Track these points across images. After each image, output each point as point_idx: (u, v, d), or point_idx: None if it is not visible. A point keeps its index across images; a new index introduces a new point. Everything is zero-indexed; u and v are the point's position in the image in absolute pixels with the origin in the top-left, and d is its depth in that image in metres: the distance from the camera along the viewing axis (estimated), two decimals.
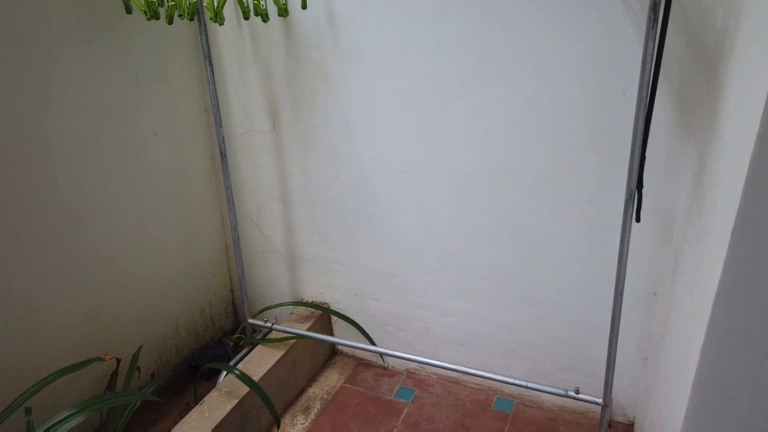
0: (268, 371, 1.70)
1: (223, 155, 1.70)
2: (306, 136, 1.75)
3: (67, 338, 1.54)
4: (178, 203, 1.86)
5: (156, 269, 1.81)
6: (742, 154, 0.70)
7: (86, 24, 1.46)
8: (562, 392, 1.53)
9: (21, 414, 1.33)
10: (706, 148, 1.09)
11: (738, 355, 0.74)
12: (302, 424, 1.74)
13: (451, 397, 1.82)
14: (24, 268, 1.41)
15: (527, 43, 1.37)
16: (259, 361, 1.75)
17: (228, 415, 1.53)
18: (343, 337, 2.03)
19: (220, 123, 1.66)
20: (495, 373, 1.63)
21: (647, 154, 1.19)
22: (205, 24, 1.53)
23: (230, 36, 1.73)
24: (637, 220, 1.24)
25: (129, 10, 1.44)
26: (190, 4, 1.43)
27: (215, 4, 1.42)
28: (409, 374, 1.95)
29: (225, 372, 1.72)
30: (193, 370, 1.94)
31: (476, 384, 1.86)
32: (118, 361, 1.63)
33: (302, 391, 1.89)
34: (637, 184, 1.20)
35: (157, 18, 1.44)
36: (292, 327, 1.89)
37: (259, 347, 1.83)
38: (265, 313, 2.08)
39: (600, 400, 1.48)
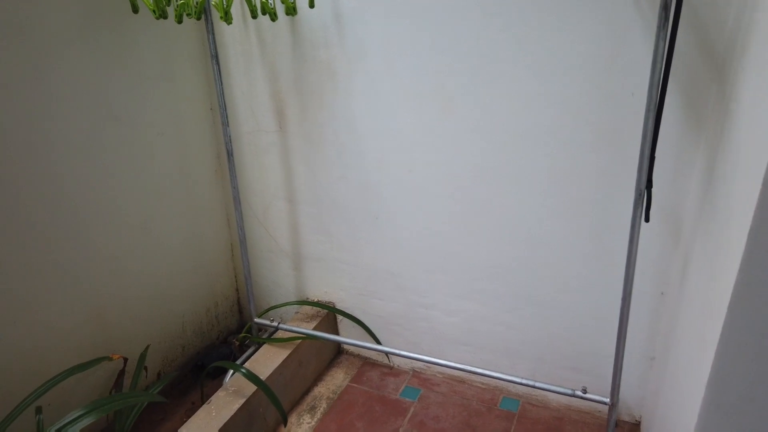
0: (274, 370, 1.70)
1: (230, 155, 1.70)
2: (312, 135, 1.75)
3: (73, 338, 1.54)
4: (184, 203, 1.86)
5: (161, 269, 1.81)
6: (760, 154, 0.70)
7: (90, 22, 1.46)
8: (570, 392, 1.54)
9: (29, 413, 1.33)
10: (717, 148, 1.09)
11: (754, 355, 0.74)
12: (308, 423, 1.74)
13: (456, 396, 1.83)
14: (30, 269, 1.41)
15: (530, 43, 1.36)
16: (265, 361, 1.75)
17: (235, 414, 1.53)
18: (348, 337, 2.03)
19: (227, 122, 1.66)
20: (502, 373, 1.63)
21: (656, 154, 1.19)
22: (212, 23, 1.53)
23: (236, 35, 1.73)
24: (647, 219, 1.24)
25: (136, 10, 1.44)
26: (197, 3, 1.43)
27: (224, 3, 1.42)
28: (415, 373, 1.95)
29: (231, 371, 1.72)
30: (199, 369, 1.94)
31: (482, 383, 1.86)
32: (125, 360, 1.63)
33: (308, 391, 1.89)
34: (646, 184, 1.20)
35: (165, 17, 1.44)
36: (297, 326, 1.89)
37: (265, 346, 1.83)
38: (270, 312, 2.08)
39: (607, 400, 1.48)
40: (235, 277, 2.17)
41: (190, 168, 1.86)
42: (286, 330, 1.88)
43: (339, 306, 2.00)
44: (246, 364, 1.74)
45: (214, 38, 1.54)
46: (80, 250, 1.53)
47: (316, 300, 2.04)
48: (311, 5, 1.49)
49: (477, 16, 1.40)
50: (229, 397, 1.59)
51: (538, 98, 1.41)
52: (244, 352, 1.93)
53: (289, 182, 1.87)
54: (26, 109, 1.34)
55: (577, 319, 1.61)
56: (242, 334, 1.96)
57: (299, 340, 1.84)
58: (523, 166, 1.50)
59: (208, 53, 1.83)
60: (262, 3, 1.42)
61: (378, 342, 1.97)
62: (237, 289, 2.19)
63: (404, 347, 1.87)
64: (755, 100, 0.82)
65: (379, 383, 1.91)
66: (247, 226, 2.02)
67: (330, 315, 2.01)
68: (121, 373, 1.63)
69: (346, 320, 2.01)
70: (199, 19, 1.50)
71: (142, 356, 1.60)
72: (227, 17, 1.44)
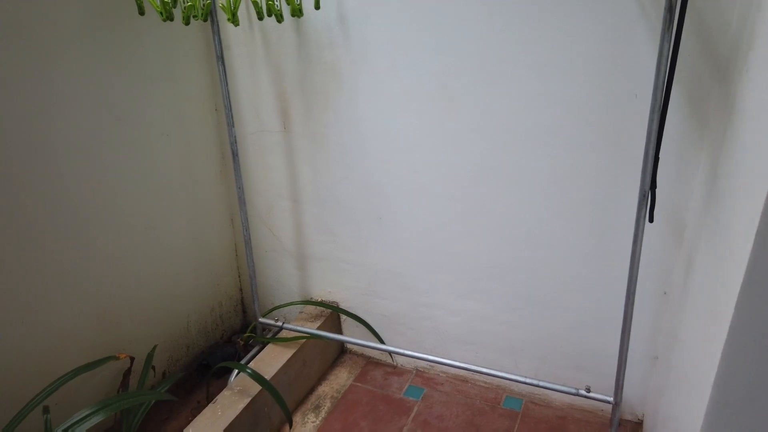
0: (279, 370, 1.71)
1: (235, 155, 1.71)
2: (317, 135, 1.76)
3: (78, 338, 1.55)
4: (187, 203, 1.86)
5: (165, 269, 1.81)
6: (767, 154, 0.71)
7: (94, 22, 1.46)
8: (573, 391, 1.55)
9: (36, 413, 1.34)
10: (721, 149, 1.10)
11: (760, 353, 0.75)
12: (313, 422, 1.75)
13: (460, 395, 1.84)
14: (34, 269, 1.41)
15: (531, 44, 1.38)
16: (270, 360, 1.76)
17: (241, 413, 1.54)
18: (352, 336, 2.04)
19: (233, 123, 1.67)
20: (506, 372, 1.64)
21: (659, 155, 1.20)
22: (218, 24, 1.54)
23: (241, 36, 1.74)
24: (650, 220, 1.25)
25: (142, 12, 1.45)
26: (204, 5, 1.44)
27: (232, 5, 1.43)
28: (418, 373, 1.96)
29: (236, 371, 1.73)
30: (204, 368, 1.95)
31: (485, 382, 1.87)
32: (132, 359, 1.63)
33: (312, 390, 1.90)
34: (650, 185, 1.22)
35: (172, 20, 1.44)
36: (302, 326, 1.90)
37: (269, 346, 1.84)
38: (274, 312, 2.09)
39: (611, 399, 1.50)
40: (239, 276, 2.17)
41: (194, 168, 1.87)
42: (290, 329, 1.88)
43: (342, 306, 2.01)
44: (251, 364, 1.74)
45: (220, 40, 1.55)
46: (84, 250, 1.53)
47: (319, 300, 2.05)
48: (317, 7, 1.50)
49: (479, 17, 1.41)
50: (234, 397, 1.60)
51: (538, 98, 1.42)
52: (248, 351, 1.94)
53: (293, 182, 1.88)
54: (29, 108, 1.35)
55: (578, 319, 1.62)
56: (247, 334, 1.97)
57: (303, 340, 1.85)
58: (524, 166, 1.51)
59: (212, 54, 1.84)
60: (268, 5, 1.43)
61: (381, 341, 1.98)
62: (240, 289, 2.19)
63: (407, 347, 1.88)
64: (762, 101, 0.83)
65: (382, 382, 1.92)
66: (251, 226, 2.03)
67: (334, 315, 2.02)
68: (128, 372, 1.64)
69: (349, 320, 2.02)
70: (206, 20, 1.51)
71: (150, 356, 1.61)
72: (234, 19, 1.45)
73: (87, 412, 1.20)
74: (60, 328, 1.49)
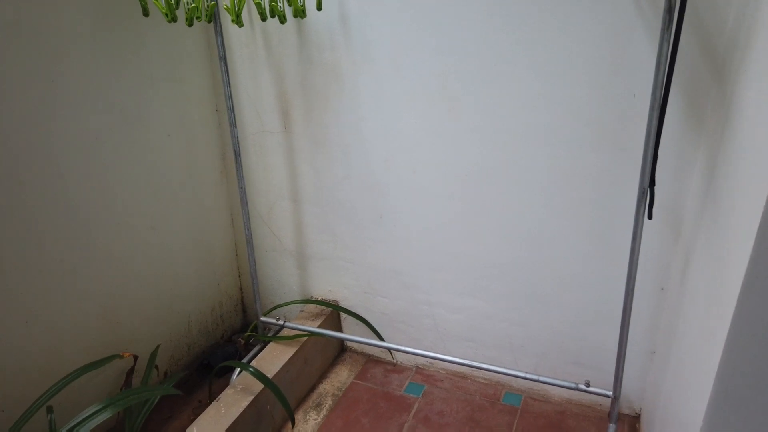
0: (281, 368, 1.72)
1: (237, 155, 1.72)
2: (317, 136, 1.77)
3: (80, 338, 1.55)
4: (190, 203, 1.87)
5: (167, 269, 1.82)
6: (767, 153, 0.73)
7: (97, 23, 1.47)
8: (573, 385, 1.57)
9: (41, 413, 1.34)
10: (719, 147, 1.12)
11: (761, 348, 0.77)
12: (315, 420, 1.76)
13: (460, 391, 1.86)
14: (37, 269, 1.41)
15: (531, 44, 1.40)
16: (272, 359, 1.77)
17: (244, 411, 1.55)
18: (352, 334, 2.05)
19: (235, 123, 1.68)
20: (505, 368, 1.66)
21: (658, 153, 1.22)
22: (220, 26, 1.55)
23: (243, 37, 1.75)
24: (650, 217, 1.27)
25: (146, 13, 1.45)
26: (208, 6, 1.45)
27: (236, 6, 1.44)
28: (418, 370, 1.98)
29: (238, 370, 1.74)
30: (205, 368, 1.96)
31: (484, 379, 1.89)
32: (136, 358, 1.64)
33: (314, 388, 1.91)
34: (649, 182, 1.24)
35: (176, 21, 1.45)
36: (302, 324, 1.91)
37: (271, 345, 1.85)
38: (274, 311, 2.10)
39: (610, 393, 1.52)
40: (239, 276, 2.18)
41: (195, 169, 1.87)
42: (291, 328, 1.90)
43: (343, 304, 2.03)
44: (253, 363, 1.75)
45: (222, 41, 1.56)
46: (86, 250, 1.54)
47: (320, 298, 2.06)
48: (319, 8, 1.51)
49: (479, 17, 1.43)
50: (237, 395, 1.61)
51: (538, 98, 1.45)
52: (249, 350, 1.95)
53: (293, 182, 1.89)
54: (32, 108, 1.35)
55: (578, 315, 1.65)
56: (248, 333, 1.97)
57: (304, 338, 1.86)
58: (524, 165, 1.54)
59: (214, 55, 1.85)
60: (271, 6, 1.44)
61: (381, 339, 1.99)
62: (241, 289, 2.20)
63: (407, 344, 1.89)
64: (759, 100, 0.85)
65: (383, 380, 1.94)
66: (252, 225, 2.03)
67: (334, 313, 2.04)
68: (131, 371, 1.65)
69: (350, 318, 2.03)
70: (209, 22, 1.52)
71: (153, 355, 1.62)
72: (238, 20, 1.46)
73: (94, 409, 1.21)
74: (62, 328, 1.50)
